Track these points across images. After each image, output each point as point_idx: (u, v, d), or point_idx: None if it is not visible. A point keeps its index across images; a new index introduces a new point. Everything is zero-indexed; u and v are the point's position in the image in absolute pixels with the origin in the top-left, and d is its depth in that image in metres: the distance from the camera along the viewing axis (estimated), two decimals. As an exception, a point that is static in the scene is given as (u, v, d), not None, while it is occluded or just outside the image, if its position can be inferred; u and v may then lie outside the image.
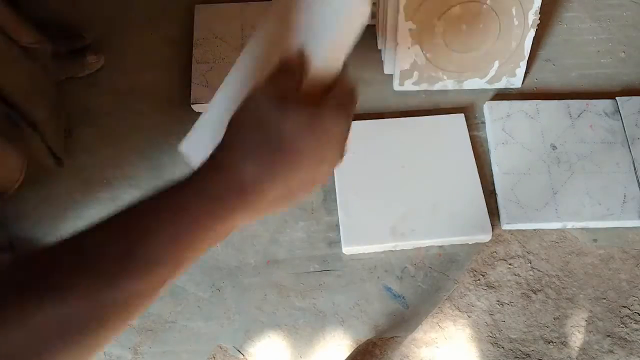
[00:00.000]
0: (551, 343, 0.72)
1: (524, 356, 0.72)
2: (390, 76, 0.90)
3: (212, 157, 0.41)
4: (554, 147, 0.83)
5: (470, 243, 0.78)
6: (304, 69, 0.45)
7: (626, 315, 0.74)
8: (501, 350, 0.72)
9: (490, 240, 0.78)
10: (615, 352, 0.72)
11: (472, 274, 0.77)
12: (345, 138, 0.43)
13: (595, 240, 0.79)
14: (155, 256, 0.36)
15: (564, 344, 0.72)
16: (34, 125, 0.75)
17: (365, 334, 0.73)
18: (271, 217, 0.78)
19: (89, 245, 0.37)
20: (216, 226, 0.38)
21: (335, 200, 0.79)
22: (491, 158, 0.83)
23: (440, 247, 0.78)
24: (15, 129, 0.73)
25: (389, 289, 0.75)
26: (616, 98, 0.86)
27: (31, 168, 0.76)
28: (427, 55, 0.85)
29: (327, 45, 0.47)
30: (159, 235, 0.37)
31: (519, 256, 0.78)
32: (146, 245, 0.36)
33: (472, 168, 0.81)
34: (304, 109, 0.43)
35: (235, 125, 0.42)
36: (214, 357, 0.71)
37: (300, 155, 0.41)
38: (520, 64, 0.87)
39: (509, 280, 0.76)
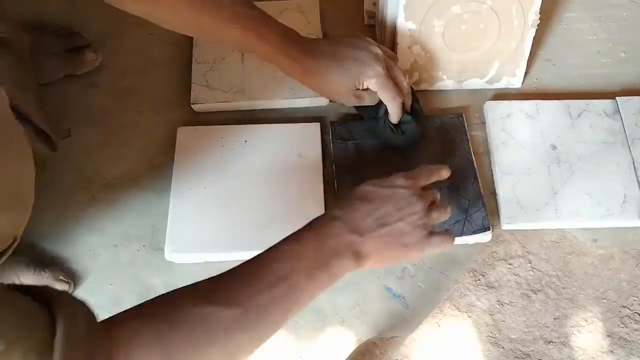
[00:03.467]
0: (551, 343, 0.72)
1: (524, 356, 0.72)
2: (390, 76, 0.90)
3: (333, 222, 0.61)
4: (554, 147, 0.83)
5: (470, 243, 0.78)
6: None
7: (626, 315, 0.74)
8: (501, 350, 0.72)
9: (490, 240, 0.78)
10: (615, 352, 0.72)
11: (472, 274, 0.77)
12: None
13: (595, 240, 0.79)
14: (298, 278, 0.56)
15: (564, 344, 0.72)
16: (23, 116, 0.74)
17: (365, 334, 0.73)
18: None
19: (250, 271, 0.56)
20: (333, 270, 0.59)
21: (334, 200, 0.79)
22: (491, 158, 0.83)
23: (440, 247, 0.78)
24: None
25: (389, 289, 0.75)
26: (616, 98, 0.87)
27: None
28: (427, 55, 0.85)
29: None
30: (298, 272, 0.56)
31: (519, 256, 0.78)
32: (291, 275, 0.56)
33: (471, 168, 0.81)
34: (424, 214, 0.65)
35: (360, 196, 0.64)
36: (214, 357, 0.71)
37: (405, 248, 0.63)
38: (520, 64, 0.87)
39: (509, 280, 0.76)
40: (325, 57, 0.73)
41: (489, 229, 0.76)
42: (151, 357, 0.48)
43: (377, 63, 0.73)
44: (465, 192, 0.78)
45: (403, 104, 0.76)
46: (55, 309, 0.42)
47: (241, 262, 0.57)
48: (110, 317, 0.49)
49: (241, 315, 0.52)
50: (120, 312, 0.51)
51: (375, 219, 0.62)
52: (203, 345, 0.50)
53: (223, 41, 0.74)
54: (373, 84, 0.73)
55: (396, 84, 0.75)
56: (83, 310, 0.45)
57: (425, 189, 0.68)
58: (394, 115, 0.77)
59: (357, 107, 0.82)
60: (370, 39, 0.76)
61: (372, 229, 0.61)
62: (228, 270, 0.56)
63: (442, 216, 0.68)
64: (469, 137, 0.83)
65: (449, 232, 0.70)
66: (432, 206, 0.67)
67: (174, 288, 0.58)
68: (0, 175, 0.50)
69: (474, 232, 0.76)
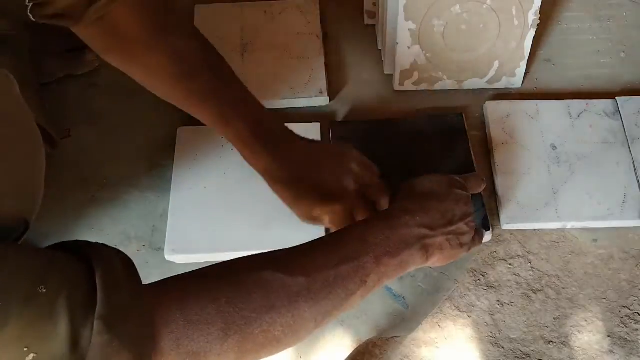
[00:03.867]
0: (551, 343, 0.72)
1: (524, 356, 0.72)
2: (390, 76, 0.90)
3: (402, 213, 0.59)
4: (554, 147, 0.83)
5: (470, 243, 0.78)
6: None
7: (626, 315, 0.74)
8: (501, 350, 0.72)
9: (490, 240, 0.78)
10: (615, 352, 0.72)
11: (472, 274, 0.77)
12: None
13: (595, 240, 0.79)
14: (366, 260, 0.54)
15: (564, 344, 0.72)
16: None
17: (365, 334, 0.73)
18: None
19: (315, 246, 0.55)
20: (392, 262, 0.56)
21: (335, 200, 0.79)
22: (491, 158, 0.83)
23: (440, 247, 0.78)
24: None
25: (389, 289, 0.75)
26: (616, 98, 0.87)
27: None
28: (427, 55, 0.85)
29: None
30: (366, 255, 0.55)
31: (519, 256, 0.78)
32: (359, 257, 0.54)
33: (472, 168, 0.81)
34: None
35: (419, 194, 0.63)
36: (214, 357, 0.71)
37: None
38: (520, 64, 0.87)
39: (509, 280, 0.76)
40: (288, 169, 0.66)
41: (489, 229, 0.76)
42: (207, 316, 0.46)
43: (338, 201, 0.65)
44: None
45: None
46: (93, 262, 0.43)
47: None
48: (164, 279, 0.49)
49: (306, 285, 0.50)
50: (179, 274, 0.50)
51: (442, 215, 0.61)
52: (264, 310, 0.48)
53: (193, 114, 0.70)
54: (326, 221, 0.66)
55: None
56: (121, 261, 0.46)
57: None
58: None
59: None
60: (356, 161, 0.68)
61: (441, 225, 0.60)
62: (294, 246, 0.54)
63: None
64: (468, 137, 0.83)
65: (480, 230, 0.71)
66: None
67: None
68: (13, 159, 0.50)
69: None
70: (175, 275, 0.50)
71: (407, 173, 0.79)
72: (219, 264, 0.52)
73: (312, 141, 0.71)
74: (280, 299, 0.49)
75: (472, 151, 0.82)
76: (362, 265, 0.54)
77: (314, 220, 0.68)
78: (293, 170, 0.66)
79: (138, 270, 0.77)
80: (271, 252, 0.54)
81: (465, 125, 0.84)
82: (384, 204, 0.68)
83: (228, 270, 0.51)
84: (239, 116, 0.66)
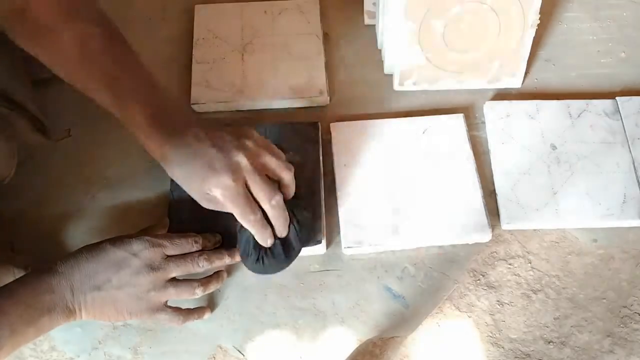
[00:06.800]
0: (551, 343, 0.72)
1: (524, 356, 0.72)
2: (390, 76, 0.90)
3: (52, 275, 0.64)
4: (554, 147, 0.83)
5: (470, 243, 0.78)
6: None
7: (626, 315, 0.74)
8: (501, 350, 0.72)
9: (490, 240, 0.78)
10: (615, 352, 0.72)
11: (472, 274, 0.77)
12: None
13: (595, 240, 0.79)
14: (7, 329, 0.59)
15: (564, 344, 0.72)
16: (18, 106, 0.74)
17: (366, 334, 0.73)
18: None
19: None
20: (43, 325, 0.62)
21: (335, 200, 0.79)
22: (491, 158, 0.83)
23: (440, 247, 0.78)
24: None
25: (389, 289, 0.75)
26: (616, 98, 0.87)
27: (21, 154, 0.76)
28: (427, 55, 0.85)
29: None
30: (9, 323, 0.59)
31: (519, 256, 0.78)
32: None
33: (471, 168, 0.81)
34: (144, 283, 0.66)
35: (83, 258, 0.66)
36: (214, 357, 0.71)
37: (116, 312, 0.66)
38: (520, 64, 0.87)
39: (509, 280, 0.76)
40: (183, 150, 0.65)
41: (320, 242, 0.74)
42: None
43: (228, 173, 0.63)
44: (309, 204, 0.75)
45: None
46: None
47: None
48: None
49: None
50: None
51: (92, 280, 0.64)
52: None
53: (93, 99, 0.70)
54: (219, 196, 0.64)
55: (257, 200, 0.65)
56: None
57: (185, 256, 0.69)
58: (257, 237, 0.67)
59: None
60: (250, 140, 0.66)
61: (85, 291, 0.64)
62: None
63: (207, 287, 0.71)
64: (320, 148, 0.81)
65: (182, 310, 0.70)
66: (210, 277, 0.71)
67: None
68: None
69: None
70: None
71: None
72: None
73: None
74: None
75: (321, 162, 0.80)
76: None
77: (209, 200, 0.66)
78: (185, 154, 0.65)
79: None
80: None
81: (320, 135, 0.82)
82: (288, 180, 0.68)
83: None
84: (137, 102, 0.67)
